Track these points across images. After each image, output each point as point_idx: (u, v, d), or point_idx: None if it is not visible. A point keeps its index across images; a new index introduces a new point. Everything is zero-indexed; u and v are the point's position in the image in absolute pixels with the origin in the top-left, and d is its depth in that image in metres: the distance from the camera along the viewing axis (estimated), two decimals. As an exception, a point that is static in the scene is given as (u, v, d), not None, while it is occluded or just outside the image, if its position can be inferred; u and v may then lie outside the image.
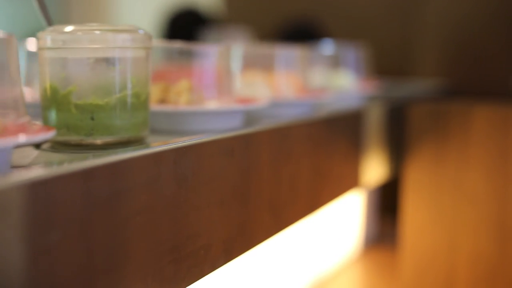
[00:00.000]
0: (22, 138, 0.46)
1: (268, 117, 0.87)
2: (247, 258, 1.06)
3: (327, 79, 1.28)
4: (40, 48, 0.59)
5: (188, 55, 0.80)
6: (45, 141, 0.59)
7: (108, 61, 0.58)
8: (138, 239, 0.53)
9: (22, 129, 0.49)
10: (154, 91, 0.75)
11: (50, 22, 0.62)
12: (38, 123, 0.54)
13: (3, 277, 0.40)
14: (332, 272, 1.47)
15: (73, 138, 0.58)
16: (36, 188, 0.42)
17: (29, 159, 0.54)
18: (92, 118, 0.58)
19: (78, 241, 0.46)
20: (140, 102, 0.60)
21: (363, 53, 1.43)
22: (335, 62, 1.33)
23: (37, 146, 0.59)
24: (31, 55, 0.84)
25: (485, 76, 2.05)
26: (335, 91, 1.22)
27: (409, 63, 2.15)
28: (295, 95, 1.00)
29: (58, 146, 0.59)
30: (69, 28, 0.58)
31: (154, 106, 0.72)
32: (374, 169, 1.21)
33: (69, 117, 0.58)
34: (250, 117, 0.85)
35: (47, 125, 0.59)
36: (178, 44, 0.81)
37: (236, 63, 0.97)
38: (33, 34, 0.65)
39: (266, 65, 1.00)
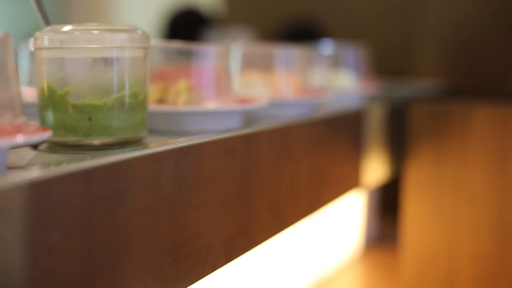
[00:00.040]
0: (17, 139, 0.46)
1: (267, 117, 0.87)
2: (248, 258, 1.06)
3: (327, 79, 1.28)
4: (37, 48, 0.59)
5: (187, 55, 0.79)
6: (42, 142, 0.59)
7: (106, 61, 0.58)
8: (138, 239, 0.53)
9: (19, 129, 0.48)
10: (153, 91, 0.75)
11: (47, 22, 0.61)
12: (35, 123, 0.54)
13: (3, 277, 0.40)
14: (332, 272, 1.47)
15: (71, 138, 0.58)
16: (37, 188, 0.42)
17: (26, 160, 0.53)
18: (90, 119, 0.57)
19: (79, 241, 0.46)
20: (138, 102, 0.60)
21: (363, 53, 1.43)
22: (335, 62, 1.33)
23: (35, 147, 0.59)
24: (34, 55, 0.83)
25: (485, 76, 2.05)
26: (335, 91, 1.22)
27: (409, 63, 2.15)
28: (295, 95, 0.99)
29: (55, 146, 0.59)
30: (66, 28, 0.58)
31: (153, 106, 0.71)
32: (375, 169, 1.21)
33: (67, 118, 0.57)
34: (249, 117, 0.85)
35: (44, 125, 0.58)
36: (177, 44, 0.80)
37: (235, 63, 0.97)
38: None
39: (265, 65, 1.00)
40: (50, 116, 0.58)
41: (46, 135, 0.49)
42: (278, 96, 0.97)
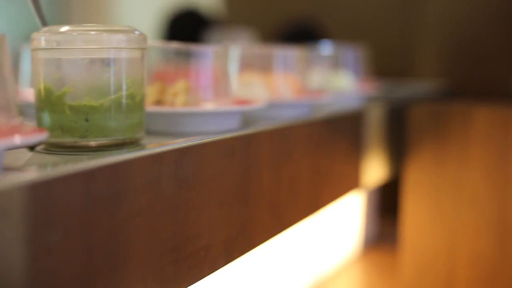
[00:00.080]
0: (15, 139, 0.46)
1: (266, 118, 0.87)
2: (248, 258, 1.06)
3: (326, 80, 1.28)
4: (34, 49, 0.58)
5: (185, 56, 0.79)
6: (39, 143, 0.58)
7: (103, 62, 0.58)
8: (138, 239, 0.53)
9: (14, 130, 0.48)
10: (151, 92, 0.75)
11: (44, 23, 0.61)
12: (31, 124, 0.54)
13: (3, 277, 0.40)
14: (332, 273, 1.47)
15: (67, 140, 0.57)
16: (37, 188, 0.42)
17: (22, 161, 0.53)
18: (87, 120, 0.57)
19: (79, 241, 0.46)
20: (135, 103, 0.60)
21: (362, 54, 1.43)
22: (334, 63, 1.33)
23: (31, 148, 0.59)
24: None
25: (485, 76, 2.05)
26: (334, 92, 1.22)
27: (409, 63, 2.15)
28: (293, 96, 0.99)
29: (52, 148, 0.58)
30: (63, 29, 0.58)
31: (150, 107, 0.71)
32: (374, 170, 1.21)
33: (63, 119, 0.57)
34: (247, 118, 0.85)
35: (41, 126, 0.58)
36: (175, 45, 0.80)
37: (234, 64, 0.97)
38: None
39: (264, 66, 1.00)
40: (47, 117, 0.58)
41: (42, 136, 0.49)
42: (276, 97, 0.96)
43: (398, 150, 1.32)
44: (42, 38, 0.58)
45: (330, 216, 1.43)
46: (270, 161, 0.77)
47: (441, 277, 1.26)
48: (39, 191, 0.42)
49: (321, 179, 0.94)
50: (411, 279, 1.29)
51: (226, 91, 0.80)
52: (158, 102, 0.75)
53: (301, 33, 2.10)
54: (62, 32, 0.57)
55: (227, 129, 0.73)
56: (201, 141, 0.63)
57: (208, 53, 0.80)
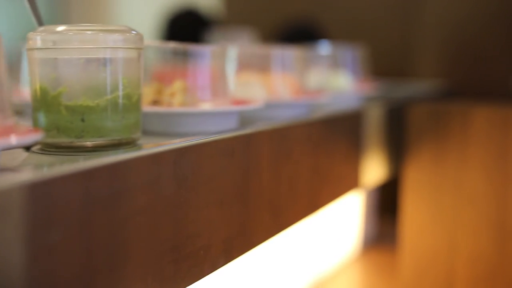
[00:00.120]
0: (7, 140, 0.45)
1: (263, 118, 0.86)
2: (247, 258, 1.06)
3: (325, 80, 1.28)
4: (30, 49, 0.58)
5: (182, 56, 0.79)
6: (35, 143, 0.58)
7: (99, 62, 0.57)
8: (138, 239, 0.53)
9: (9, 130, 0.48)
10: (148, 92, 0.74)
11: (41, 22, 0.61)
12: (26, 124, 0.53)
13: (3, 277, 0.41)
14: (331, 272, 1.47)
15: (63, 140, 0.57)
16: (37, 188, 0.42)
17: (18, 161, 0.53)
18: (83, 120, 0.57)
19: (78, 241, 0.46)
20: (132, 104, 0.59)
21: (361, 54, 1.43)
22: (333, 63, 1.33)
23: (27, 148, 0.58)
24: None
25: (485, 77, 2.05)
26: (333, 92, 1.22)
27: (409, 63, 2.15)
28: (291, 96, 0.99)
29: (48, 148, 0.58)
30: (59, 28, 0.57)
31: (147, 108, 0.70)
32: (374, 170, 1.22)
33: (59, 119, 0.57)
34: (245, 118, 0.85)
35: (37, 126, 0.58)
36: (172, 45, 0.80)
37: (231, 64, 0.96)
38: None
39: (262, 66, 0.99)
40: (42, 117, 0.57)
41: (37, 136, 0.49)
42: (274, 97, 0.96)
43: (397, 150, 1.32)
44: (38, 37, 0.57)
45: (329, 216, 1.43)
46: (270, 161, 0.77)
47: (440, 277, 1.26)
48: (39, 191, 0.42)
49: (320, 179, 0.94)
50: (411, 279, 1.29)
51: (224, 91, 0.80)
52: (155, 102, 0.74)
53: (300, 33, 2.10)
54: (58, 32, 0.57)
55: (225, 130, 0.72)
56: (201, 141, 0.63)
57: (205, 53, 0.79)
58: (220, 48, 0.82)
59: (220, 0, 2.68)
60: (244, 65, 0.99)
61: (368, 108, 1.19)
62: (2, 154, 0.51)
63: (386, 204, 1.78)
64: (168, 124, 0.72)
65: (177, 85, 0.75)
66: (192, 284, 0.61)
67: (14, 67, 0.91)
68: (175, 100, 0.74)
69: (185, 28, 2.46)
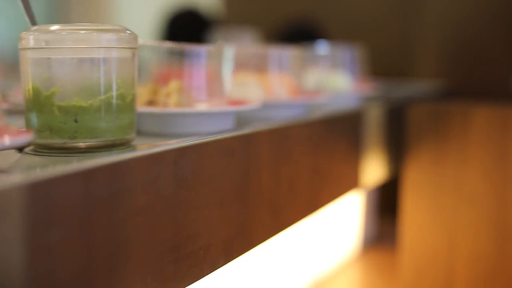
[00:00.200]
0: (4, 140, 0.45)
1: (260, 119, 0.86)
2: (247, 258, 1.06)
3: (323, 80, 1.28)
4: (22, 48, 0.57)
5: (179, 56, 0.78)
6: (27, 144, 0.57)
7: (92, 62, 0.56)
8: (138, 239, 0.53)
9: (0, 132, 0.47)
10: (143, 93, 0.73)
11: (34, 22, 0.60)
12: (16, 125, 0.52)
13: (3, 277, 0.41)
14: (331, 272, 1.47)
15: (56, 141, 0.56)
16: (36, 188, 0.42)
17: (9, 162, 0.53)
18: (76, 121, 0.56)
19: (78, 241, 0.46)
20: (126, 104, 0.59)
21: (359, 54, 1.42)
22: (331, 63, 1.33)
23: (20, 149, 0.58)
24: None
25: (485, 77, 2.05)
26: (331, 92, 1.22)
27: (409, 64, 2.15)
28: (288, 96, 0.98)
29: (41, 149, 0.57)
30: (52, 28, 0.57)
31: (142, 108, 0.70)
32: (374, 170, 1.22)
33: (52, 119, 0.56)
34: (242, 119, 0.84)
35: (29, 127, 0.57)
36: (168, 44, 0.79)
37: (228, 64, 0.96)
38: None
39: (259, 66, 0.99)
40: (35, 117, 0.57)
41: (27, 137, 0.48)
42: (271, 97, 0.95)
43: (397, 150, 1.32)
44: (30, 37, 0.57)
45: (329, 215, 1.43)
46: (270, 161, 0.77)
47: (440, 276, 1.26)
48: (39, 191, 0.42)
49: (320, 179, 0.94)
50: (411, 279, 1.29)
51: (220, 91, 0.79)
52: (151, 102, 0.73)
53: (300, 34, 2.10)
54: (51, 31, 0.56)
55: (221, 130, 0.72)
56: (200, 141, 0.63)
57: (201, 53, 0.78)
58: (216, 48, 0.82)
59: (220, 0, 2.68)
60: (241, 65, 0.98)
61: (368, 108, 1.19)
62: None
63: (386, 204, 1.78)
64: (164, 124, 0.71)
65: (173, 85, 0.74)
66: (192, 284, 0.61)
67: (14, 67, 0.91)
68: (171, 100, 0.73)
69: (185, 28, 2.46)
